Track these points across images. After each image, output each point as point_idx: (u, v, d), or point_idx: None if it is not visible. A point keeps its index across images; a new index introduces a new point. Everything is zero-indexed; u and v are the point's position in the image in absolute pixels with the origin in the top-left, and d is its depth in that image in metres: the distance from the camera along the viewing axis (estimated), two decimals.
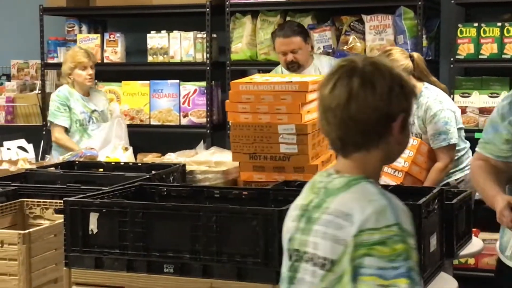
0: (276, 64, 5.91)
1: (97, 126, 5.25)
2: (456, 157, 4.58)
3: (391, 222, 1.73)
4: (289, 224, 1.93)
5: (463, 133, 4.62)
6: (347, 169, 1.88)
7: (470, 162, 4.57)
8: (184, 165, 3.89)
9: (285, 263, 1.92)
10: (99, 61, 6.40)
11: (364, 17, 5.70)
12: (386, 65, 1.89)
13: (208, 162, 4.07)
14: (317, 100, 1.94)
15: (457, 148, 4.55)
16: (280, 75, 4.05)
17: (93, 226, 2.53)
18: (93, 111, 5.34)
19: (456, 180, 4.63)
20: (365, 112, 1.82)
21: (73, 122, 5.29)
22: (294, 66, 5.00)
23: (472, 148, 4.61)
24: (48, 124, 5.49)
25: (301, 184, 3.36)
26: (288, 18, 5.91)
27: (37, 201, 3.34)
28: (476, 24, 5.42)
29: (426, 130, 4.46)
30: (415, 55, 4.54)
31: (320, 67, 5.04)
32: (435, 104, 4.40)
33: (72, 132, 5.28)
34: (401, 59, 4.36)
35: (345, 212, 1.78)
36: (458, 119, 4.52)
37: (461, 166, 4.66)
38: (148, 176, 3.50)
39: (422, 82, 4.48)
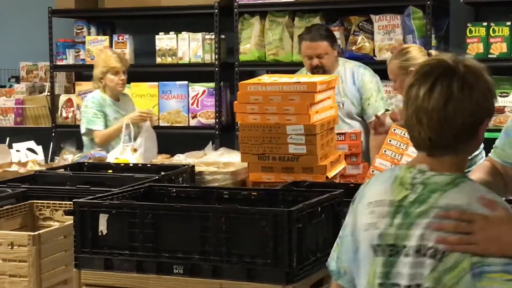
0: (285, 65, 5.92)
1: (127, 132, 5.13)
2: (470, 157, 4.54)
3: None
4: (373, 220, 1.94)
5: None
6: (441, 168, 1.92)
7: (479, 162, 4.57)
8: (193, 166, 3.89)
9: (374, 261, 1.92)
10: None
11: (372, 17, 5.70)
12: (480, 68, 1.95)
13: (217, 163, 4.08)
14: (406, 98, 1.95)
15: None
16: (288, 76, 4.04)
17: (102, 227, 2.53)
18: (123, 116, 5.17)
19: None
20: (462, 117, 1.87)
21: (107, 127, 5.17)
22: (319, 71, 4.88)
23: (485, 147, 4.60)
24: (83, 131, 5.21)
25: (310, 185, 3.38)
26: (296, 19, 5.92)
27: (47, 203, 3.34)
28: (485, 24, 5.41)
29: None
30: (433, 52, 4.50)
31: (344, 75, 4.94)
32: None
33: None
34: (419, 57, 4.30)
35: (461, 207, 1.83)
36: None
37: (474, 167, 4.63)
38: (157, 177, 3.50)
39: None
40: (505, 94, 5.37)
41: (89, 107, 5.17)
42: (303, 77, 4.08)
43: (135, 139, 4.77)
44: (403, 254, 1.88)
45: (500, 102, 5.34)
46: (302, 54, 5.02)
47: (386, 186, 1.96)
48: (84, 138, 5.24)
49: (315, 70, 4.90)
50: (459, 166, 1.95)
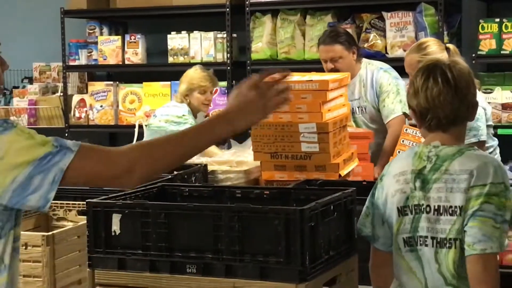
0: (297, 63, 5.93)
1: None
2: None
3: (500, 180, 2.29)
4: (399, 187, 2.42)
5: (491, 131, 4.53)
6: (450, 142, 2.40)
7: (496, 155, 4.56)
8: (205, 165, 3.90)
9: (402, 220, 2.41)
10: (120, 63, 6.44)
11: (384, 14, 5.69)
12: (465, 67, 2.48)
13: (230, 162, 4.08)
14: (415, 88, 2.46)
15: (486, 145, 4.50)
16: (300, 74, 4.04)
17: (115, 227, 2.54)
18: None
19: None
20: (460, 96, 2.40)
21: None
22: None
23: (499, 144, 4.59)
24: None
25: (323, 183, 3.38)
26: (308, 17, 5.91)
27: (60, 203, 3.36)
28: (497, 20, 5.39)
29: None
30: (451, 46, 4.45)
31: (365, 79, 4.86)
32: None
33: None
34: (437, 51, 4.27)
35: (468, 170, 2.31)
36: (488, 116, 4.44)
37: None
38: (170, 176, 3.51)
39: None
40: None
41: (187, 117, 5.05)
42: (315, 75, 4.08)
43: None
44: (425, 212, 2.36)
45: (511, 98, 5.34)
46: (320, 57, 4.94)
47: (407, 160, 2.43)
48: None
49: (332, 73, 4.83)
50: (462, 137, 2.45)
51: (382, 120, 4.83)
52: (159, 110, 5.28)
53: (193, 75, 5.18)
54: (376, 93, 4.82)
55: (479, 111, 4.36)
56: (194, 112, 5.12)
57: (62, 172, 1.89)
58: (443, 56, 4.32)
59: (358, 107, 4.87)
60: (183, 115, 5.01)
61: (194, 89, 5.07)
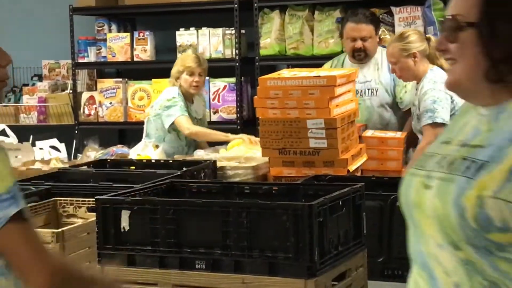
0: (305, 58, 5.91)
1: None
2: None
3: None
4: None
5: None
6: None
7: None
8: (214, 162, 3.90)
9: None
10: (129, 60, 6.45)
11: (393, 9, 5.68)
12: None
13: (238, 158, 4.09)
14: None
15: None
16: (308, 70, 4.04)
17: (125, 223, 2.55)
18: (193, 118, 5.04)
19: None
20: None
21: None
22: (361, 55, 4.88)
23: None
24: (172, 119, 4.91)
25: (331, 179, 3.39)
26: (316, 12, 5.91)
27: (70, 200, 3.36)
28: None
29: (419, 113, 4.44)
30: (432, 38, 4.55)
31: (380, 62, 4.94)
32: (428, 83, 4.36)
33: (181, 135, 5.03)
34: (418, 41, 4.41)
35: None
36: (456, 105, 4.42)
37: None
38: (179, 173, 3.52)
39: (433, 65, 4.50)
40: None
41: (176, 99, 4.97)
42: (323, 70, 4.08)
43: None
44: None
45: None
46: (345, 36, 4.98)
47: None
48: (168, 133, 5.01)
49: (356, 53, 4.89)
50: None
51: (389, 107, 4.89)
52: (156, 100, 5.29)
53: (182, 57, 5.22)
54: (393, 78, 4.86)
55: (439, 95, 4.38)
56: (186, 95, 5.05)
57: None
58: (423, 46, 4.41)
59: (368, 89, 4.91)
60: (173, 97, 4.96)
61: (182, 71, 5.04)
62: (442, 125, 4.30)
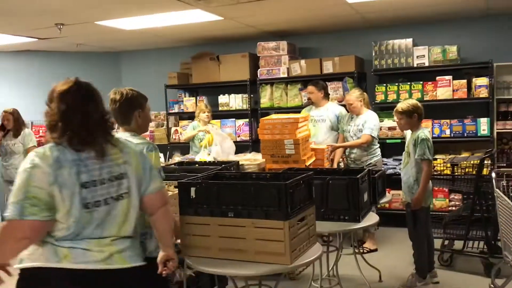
0: (284, 109, 5.83)
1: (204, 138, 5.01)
2: (372, 149, 4.52)
3: None
4: None
5: (377, 137, 4.55)
6: None
7: (379, 153, 4.49)
8: (238, 162, 3.86)
9: None
10: (194, 111, 6.36)
11: (328, 83, 5.61)
12: None
13: (250, 159, 4.05)
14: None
15: (374, 144, 4.49)
16: (285, 114, 4.00)
17: (193, 194, 2.52)
18: (205, 134, 5.01)
19: (375, 161, 4.54)
20: None
21: (196, 139, 5.12)
22: (310, 102, 4.90)
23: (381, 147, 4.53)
24: (182, 139, 5.32)
25: (297, 170, 3.28)
26: (288, 85, 5.86)
27: (166, 182, 3.31)
28: (384, 84, 5.33)
29: (362, 129, 4.42)
30: (365, 95, 4.58)
31: (331, 111, 4.76)
32: (371, 117, 4.42)
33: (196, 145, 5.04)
34: (359, 95, 4.48)
35: None
36: (377, 128, 4.46)
37: (376, 154, 4.58)
38: (220, 168, 3.49)
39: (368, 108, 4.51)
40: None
41: (193, 126, 5.20)
42: (293, 115, 4.06)
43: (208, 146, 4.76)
44: None
45: (394, 123, 5.23)
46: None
47: None
48: (190, 143, 5.22)
49: (309, 101, 4.88)
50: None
51: (332, 130, 4.77)
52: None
53: (199, 105, 5.26)
54: (338, 116, 4.76)
55: (375, 122, 4.41)
56: (203, 123, 5.08)
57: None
58: (364, 96, 4.47)
59: (321, 119, 4.82)
60: (193, 126, 5.16)
61: (200, 112, 5.20)
62: (372, 137, 4.36)
